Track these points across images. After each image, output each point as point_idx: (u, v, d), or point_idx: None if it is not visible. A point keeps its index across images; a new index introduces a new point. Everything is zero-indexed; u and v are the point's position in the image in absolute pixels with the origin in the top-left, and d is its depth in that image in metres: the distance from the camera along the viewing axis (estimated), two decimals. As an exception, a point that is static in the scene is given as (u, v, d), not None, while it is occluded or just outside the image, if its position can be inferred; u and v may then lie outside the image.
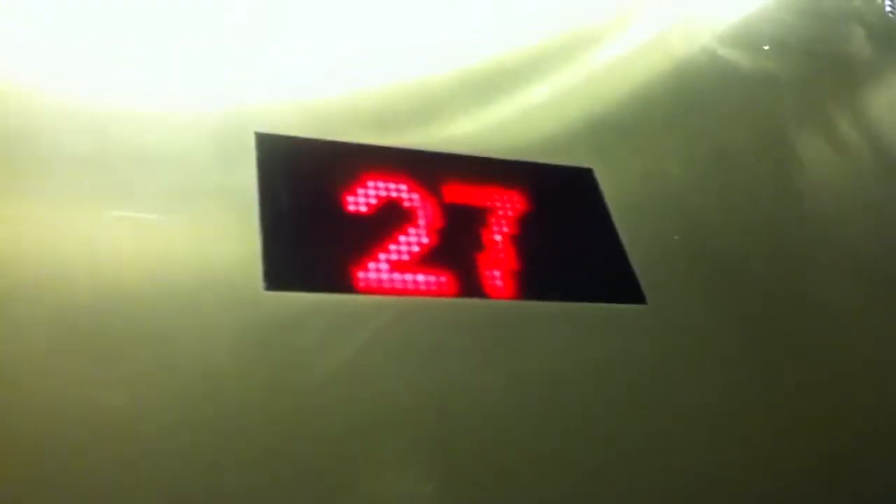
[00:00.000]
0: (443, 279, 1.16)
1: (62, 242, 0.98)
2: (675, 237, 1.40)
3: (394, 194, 1.22)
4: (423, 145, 1.30)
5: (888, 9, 2.11)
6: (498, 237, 1.24)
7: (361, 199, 1.19)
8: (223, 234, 1.06)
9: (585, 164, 1.41)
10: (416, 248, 1.18)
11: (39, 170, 1.02)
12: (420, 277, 1.15)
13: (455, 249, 1.20)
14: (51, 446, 0.87)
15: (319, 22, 1.38)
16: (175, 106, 1.15)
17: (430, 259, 1.17)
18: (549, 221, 1.29)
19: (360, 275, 1.11)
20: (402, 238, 1.18)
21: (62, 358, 0.92)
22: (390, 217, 1.19)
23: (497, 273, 1.20)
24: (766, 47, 1.85)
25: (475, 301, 1.16)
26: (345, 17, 1.41)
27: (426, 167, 1.27)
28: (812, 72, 1.88)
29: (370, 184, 1.21)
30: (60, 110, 1.07)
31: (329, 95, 1.30)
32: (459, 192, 1.26)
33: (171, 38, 1.23)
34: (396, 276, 1.13)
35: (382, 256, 1.14)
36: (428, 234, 1.19)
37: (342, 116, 1.28)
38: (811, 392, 1.29)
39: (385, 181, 1.22)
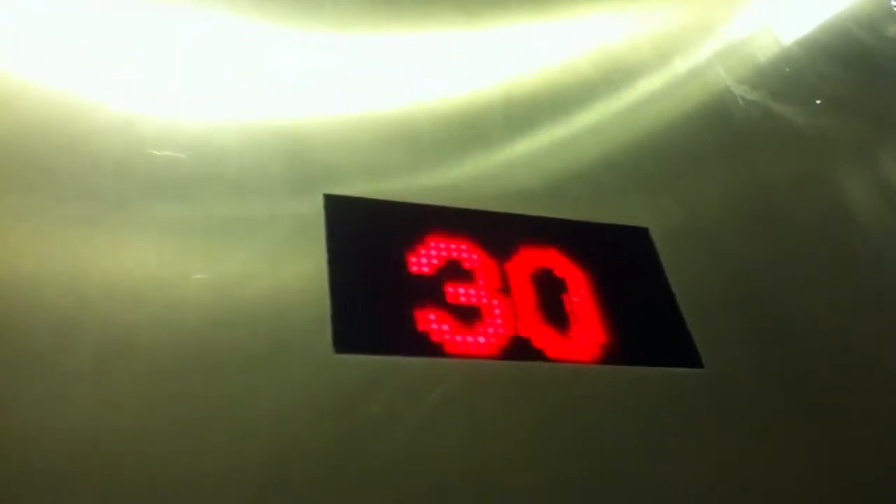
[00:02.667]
0: (502, 341, 1.18)
1: (147, 304, 1.02)
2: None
3: (454, 254, 1.24)
4: (478, 201, 1.32)
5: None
6: (556, 298, 1.26)
7: (424, 260, 1.22)
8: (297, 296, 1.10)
9: (640, 224, 1.43)
10: (475, 310, 1.20)
11: (131, 232, 1.07)
12: (481, 339, 1.17)
13: (514, 310, 1.21)
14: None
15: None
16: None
17: (489, 320, 1.19)
18: (607, 282, 1.30)
19: (423, 336, 1.14)
20: (462, 299, 1.20)
21: (149, 418, 0.96)
22: (452, 277, 1.21)
23: (555, 334, 1.22)
24: (818, 101, 1.85)
25: (534, 363, 1.18)
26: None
27: (485, 226, 1.29)
28: (862, 125, 1.88)
29: (432, 244, 1.24)
30: (146, 180, 1.13)
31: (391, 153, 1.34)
32: (518, 252, 1.28)
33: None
34: (458, 338, 1.16)
35: (444, 317, 1.17)
36: (488, 295, 1.22)
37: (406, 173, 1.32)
38: (870, 462, 1.29)
39: (447, 241, 1.25)
